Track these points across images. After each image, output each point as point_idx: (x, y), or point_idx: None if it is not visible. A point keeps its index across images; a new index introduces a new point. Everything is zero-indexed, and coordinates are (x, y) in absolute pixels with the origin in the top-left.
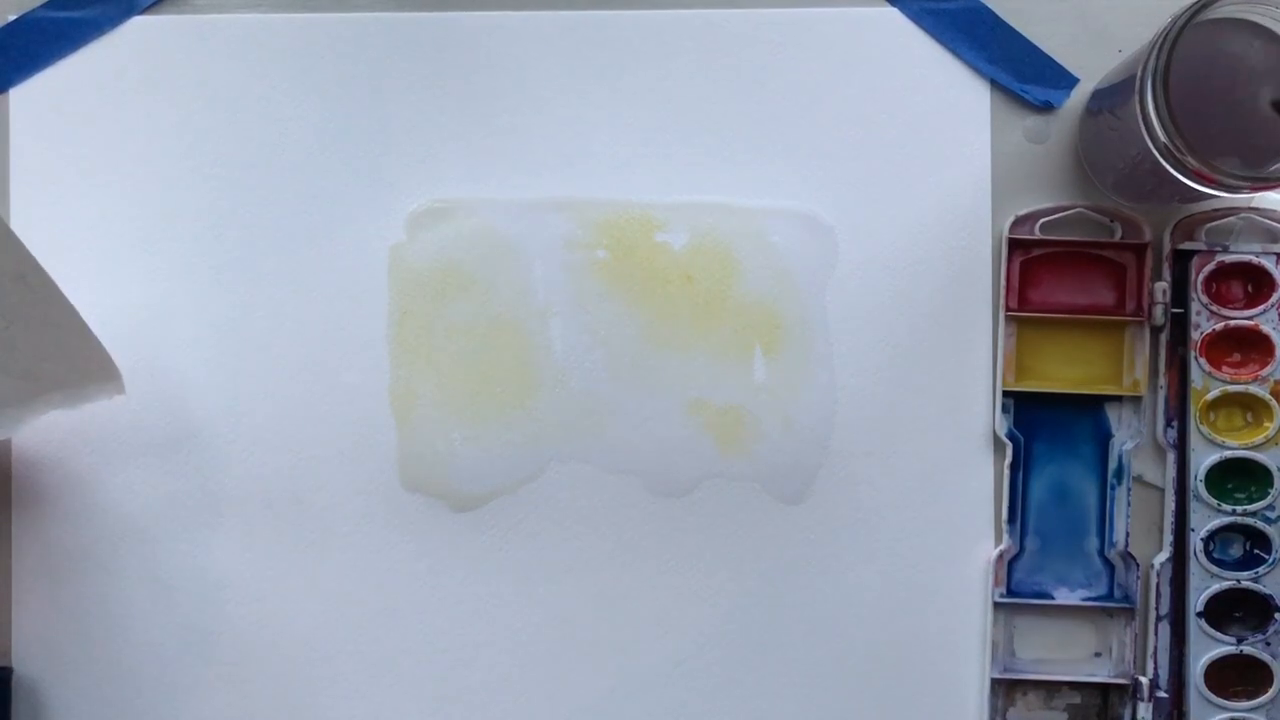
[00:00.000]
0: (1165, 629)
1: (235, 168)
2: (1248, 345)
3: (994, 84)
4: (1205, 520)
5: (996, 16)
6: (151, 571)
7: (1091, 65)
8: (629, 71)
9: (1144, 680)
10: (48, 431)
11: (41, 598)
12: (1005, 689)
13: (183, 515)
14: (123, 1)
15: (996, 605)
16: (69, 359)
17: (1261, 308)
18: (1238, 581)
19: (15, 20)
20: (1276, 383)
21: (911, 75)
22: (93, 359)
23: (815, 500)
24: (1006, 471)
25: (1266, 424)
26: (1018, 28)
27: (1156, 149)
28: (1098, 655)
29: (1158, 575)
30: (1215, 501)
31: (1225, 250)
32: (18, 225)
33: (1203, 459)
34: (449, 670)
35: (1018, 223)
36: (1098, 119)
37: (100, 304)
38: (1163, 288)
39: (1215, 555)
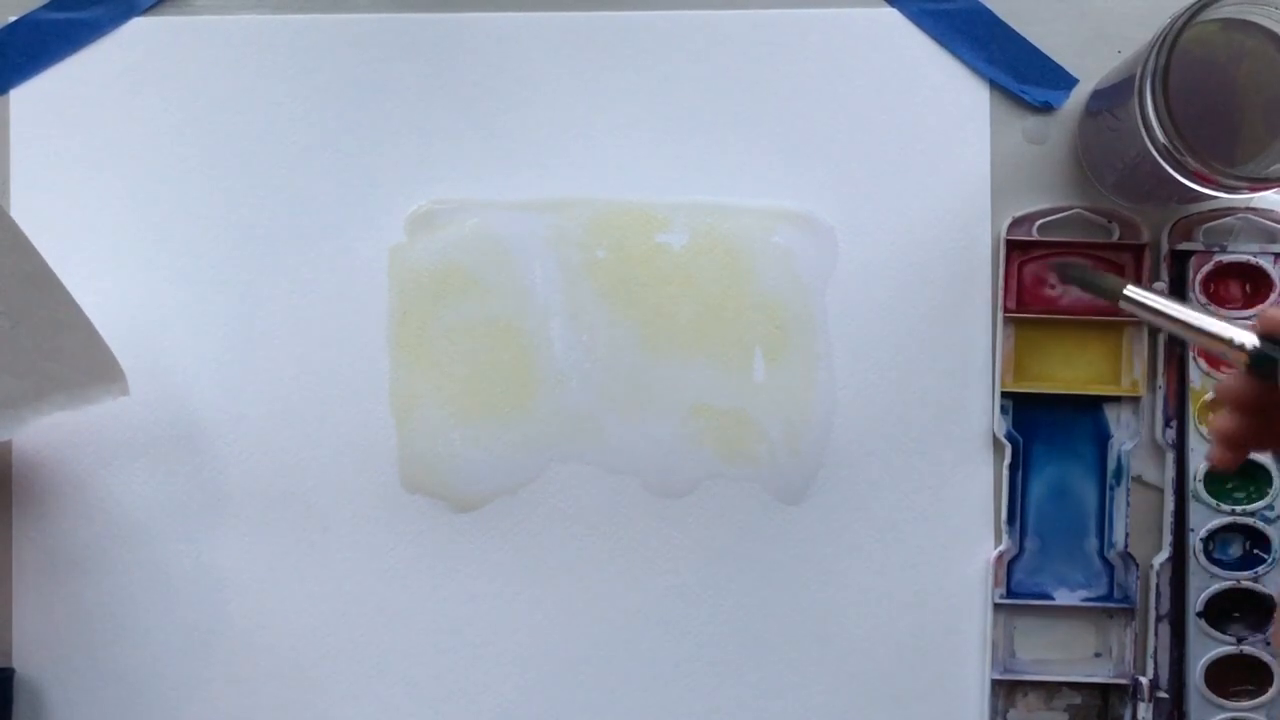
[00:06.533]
0: (1165, 629)
1: (235, 168)
2: None
3: (993, 84)
4: (1204, 520)
5: (996, 17)
6: (152, 571)
7: (1091, 65)
8: (629, 71)
9: (1144, 680)
10: (49, 432)
11: (42, 598)
12: (1005, 689)
13: (183, 515)
14: (123, 2)
15: (996, 606)
16: (74, 359)
17: (1260, 308)
18: (1237, 581)
19: (16, 21)
20: None
21: (911, 76)
22: (98, 360)
23: (815, 500)
24: (1006, 472)
25: None
26: (1017, 28)
27: (1156, 149)
28: (1098, 656)
29: (1157, 575)
30: (1214, 501)
31: (1223, 250)
32: None
33: (1201, 459)
34: (449, 670)
35: (1016, 224)
36: (1097, 119)
37: (100, 305)
38: (1161, 288)
39: (1215, 555)
